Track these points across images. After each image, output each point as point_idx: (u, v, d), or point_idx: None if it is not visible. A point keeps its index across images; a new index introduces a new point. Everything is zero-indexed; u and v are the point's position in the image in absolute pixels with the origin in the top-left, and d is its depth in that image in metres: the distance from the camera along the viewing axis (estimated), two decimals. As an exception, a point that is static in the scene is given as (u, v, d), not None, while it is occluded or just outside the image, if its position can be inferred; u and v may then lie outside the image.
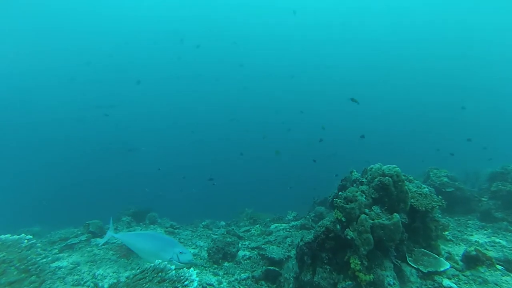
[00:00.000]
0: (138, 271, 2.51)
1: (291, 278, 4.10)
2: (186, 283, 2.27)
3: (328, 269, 3.61)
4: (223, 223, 9.97)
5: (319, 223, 3.85)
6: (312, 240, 3.84)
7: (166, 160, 30.29)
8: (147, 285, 2.26)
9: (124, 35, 33.59)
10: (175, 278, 2.31)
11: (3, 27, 27.56)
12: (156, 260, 2.57)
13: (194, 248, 6.41)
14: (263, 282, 4.42)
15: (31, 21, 29.03)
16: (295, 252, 4.38)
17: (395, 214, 3.43)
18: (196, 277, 2.38)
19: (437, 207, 4.13)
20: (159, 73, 36.54)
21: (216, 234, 7.57)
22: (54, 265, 4.35)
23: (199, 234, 7.76)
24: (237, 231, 7.55)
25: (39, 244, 2.80)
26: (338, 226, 3.69)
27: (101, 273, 4.21)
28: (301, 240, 4.01)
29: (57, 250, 4.95)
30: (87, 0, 30.42)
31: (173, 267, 2.53)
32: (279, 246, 5.96)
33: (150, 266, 2.53)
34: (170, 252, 3.00)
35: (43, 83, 33.18)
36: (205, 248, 5.99)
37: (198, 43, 27.69)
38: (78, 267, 4.33)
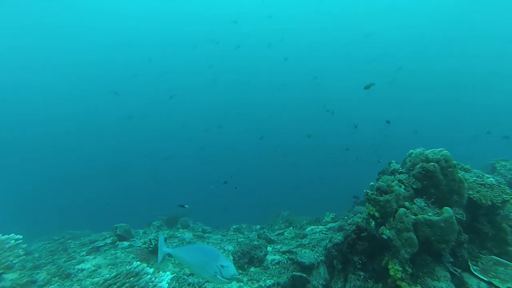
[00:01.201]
0: (112, 275, 2.26)
1: (320, 286, 3.51)
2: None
3: (362, 276, 2.97)
4: (258, 227, 9.59)
5: (349, 220, 3.23)
6: (341, 241, 3.24)
7: (201, 166, 31.14)
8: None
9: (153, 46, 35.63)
10: (143, 284, 1.98)
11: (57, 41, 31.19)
12: (135, 262, 2.29)
13: (222, 253, 6.10)
14: (289, 291, 3.89)
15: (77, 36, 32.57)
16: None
17: (446, 208, 2.68)
18: (166, 284, 2.02)
19: (511, 201, 3.20)
20: (192, 80, 38.08)
21: (247, 238, 7.19)
22: (78, 266, 4.39)
23: (229, 238, 7.46)
24: (268, 234, 7.08)
25: (24, 245, 2.68)
26: (372, 224, 3.04)
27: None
28: (330, 241, 3.42)
29: (84, 252, 5.04)
30: (129, 18, 33.09)
31: (151, 270, 2.21)
32: (313, 250, 5.35)
33: (125, 270, 2.25)
34: (213, 266, 2.67)
35: (81, 94, 36.58)
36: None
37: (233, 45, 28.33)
38: (99, 270, 4.30)
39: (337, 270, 3.28)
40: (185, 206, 5.39)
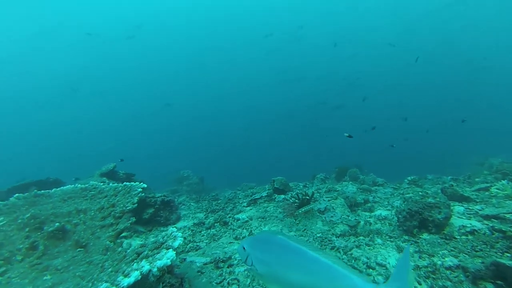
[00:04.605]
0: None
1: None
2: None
3: None
4: (448, 178, 7.30)
5: None
6: None
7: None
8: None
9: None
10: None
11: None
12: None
13: (388, 210, 4.96)
14: (490, 285, 2.34)
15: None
16: None
17: None
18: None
19: None
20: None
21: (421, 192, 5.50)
22: (236, 216, 4.86)
23: (401, 191, 6.00)
24: (459, 189, 5.02)
25: (143, 194, 2.99)
26: None
27: (266, 230, 4.16)
28: None
29: (245, 204, 5.52)
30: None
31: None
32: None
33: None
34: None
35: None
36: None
37: None
38: (250, 221, 4.53)
39: None
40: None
